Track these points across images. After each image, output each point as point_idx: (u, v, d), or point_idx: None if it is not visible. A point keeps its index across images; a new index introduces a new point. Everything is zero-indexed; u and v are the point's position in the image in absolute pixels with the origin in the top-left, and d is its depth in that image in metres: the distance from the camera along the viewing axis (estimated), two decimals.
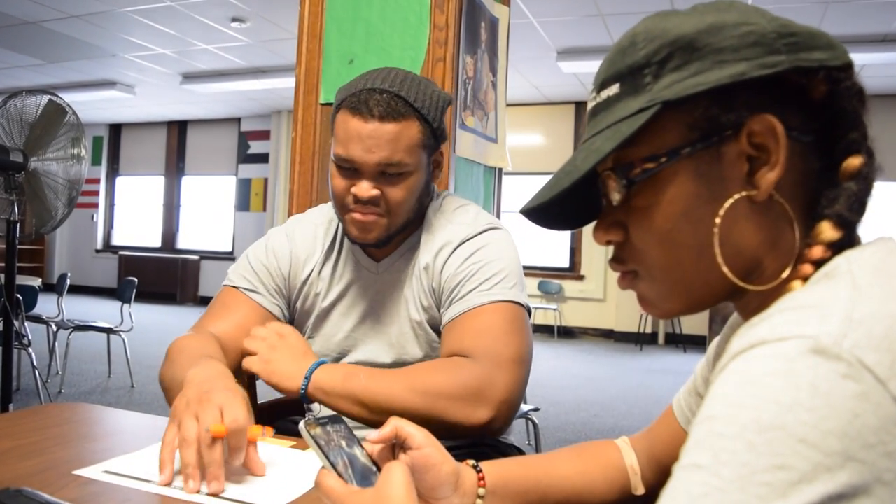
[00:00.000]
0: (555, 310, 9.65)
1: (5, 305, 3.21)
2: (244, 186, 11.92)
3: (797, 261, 0.60)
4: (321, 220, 1.44)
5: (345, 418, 0.81)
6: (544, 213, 0.71)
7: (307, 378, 1.18)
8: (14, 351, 3.51)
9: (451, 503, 0.81)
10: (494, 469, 0.87)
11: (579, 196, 0.70)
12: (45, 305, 5.94)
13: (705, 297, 0.65)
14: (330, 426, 0.76)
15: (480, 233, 1.35)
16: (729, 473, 0.43)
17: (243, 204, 11.89)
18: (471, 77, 2.17)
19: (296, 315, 1.43)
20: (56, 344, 5.50)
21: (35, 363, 4.38)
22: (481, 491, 0.84)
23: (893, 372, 0.44)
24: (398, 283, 1.37)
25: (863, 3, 5.68)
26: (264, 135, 11.58)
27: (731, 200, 0.60)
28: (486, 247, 1.33)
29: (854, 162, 0.60)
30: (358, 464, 0.74)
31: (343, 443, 0.76)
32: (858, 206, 0.59)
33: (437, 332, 1.34)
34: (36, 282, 5.45)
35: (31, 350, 4.45)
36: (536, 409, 3.36)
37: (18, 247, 3.33)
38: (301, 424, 0.74)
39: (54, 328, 5.51)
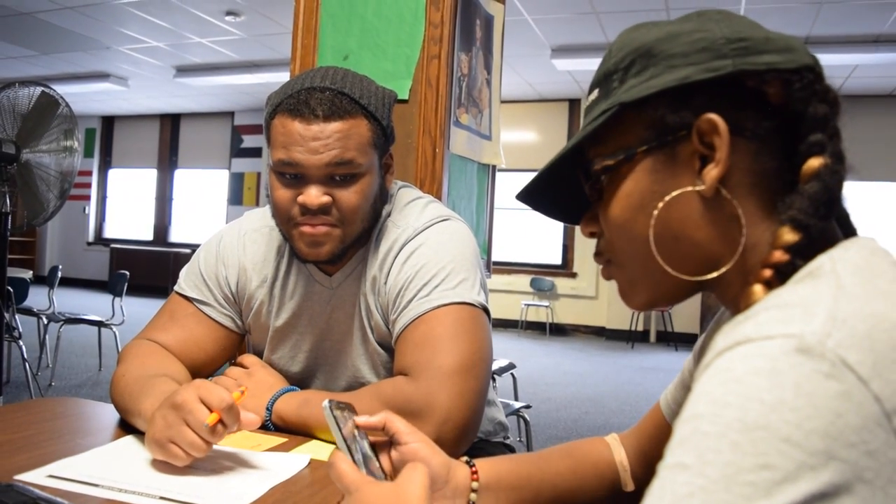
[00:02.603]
0: (547, 307, 9.66)
1: None
2: (237, 180, 11.89)
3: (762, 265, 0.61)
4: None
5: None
6: (538, 202, 0.79)
7: (269, 409, 1.17)
8: (4, 343, 3.50)
9: (443, 494, 0.82)
10: (487, 465, 0.88)
11: (576, 190, 0.75)
12: (36, 298, 5.92)
13: (672, 289, 0.69)
14: (347, 411, 0.78)
15: (421, 231, 1.23)
16: (714, 473, 0.43)
17: (236, 198, 11.85)
18: (465, 74, 2.17)
19: (251, 330, 1.34)
20: (47, 336, 5.49)
21: (25, 356, 4.37)
22: (475, 485, 0.84)
23: (875, 371, 0.45)
24: (352, 299, 1.27)
25: (855, 3, 5.70)
26: (257, 129, 11.54)
27: (673, 193, 0.64)
28: (423, 245, 1.21)
29: (813, 164, 0.59)
30: (364, 451, 0.76)
31: (355, 431, 0.78)
32: (819, 207, 0.58)
33: (392, 351, 1.22)
34: (27, 274, 5.43)
35: (21, 342, 4.44)
36: (528, 406, 3.37)
37: (9, 238, 3.32)
38: (325, 403, 0.76)
39: (45, 321, 5.50)
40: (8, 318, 3.88)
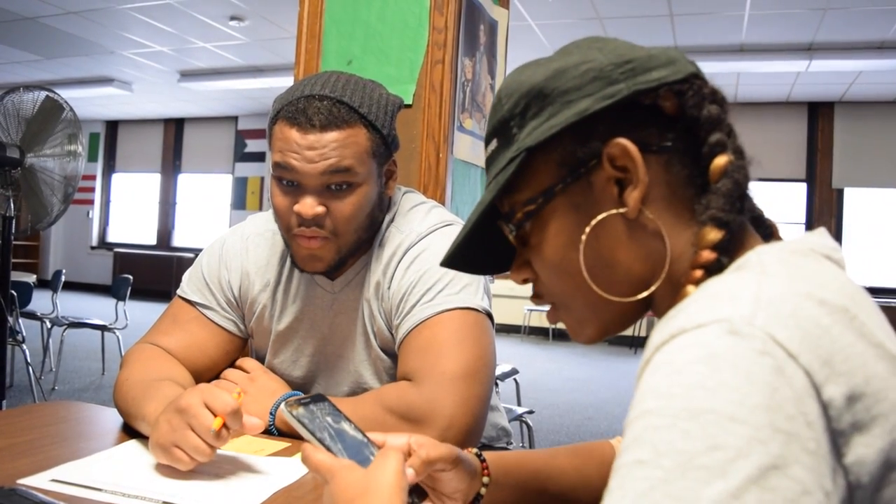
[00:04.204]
0: None
1: None
2: (240, 185, 11.90)
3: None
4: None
5: (329, 396, 0.81)
6: (465, 263, 0.78)
7: (272, 414, 1.17)
8: (8, 347, 3.50)
9: (464, 493, 0.82)
10: (496, 459, 0.88)
11: (498, 242, 0.75)
12: (40, 302, 5.93)
13: (617, 316, 0.69)
14: (313, 405, 0.76)
15: (425, 236, 1.23)
16: (669, 463, 0.44)
17: (239, 202, 11.87)
18: (469, 79, 2.18)
19: (253, 334, 1.34)
20: (50, 340, 5.50)
21: (29, 360, 4.37)
22: (485, 479, 0.85)
23: (803, 346, 0.47)
24: (355, 304, 1.27)
25: (860, 10, 5.70)
26: (261, 133, 11.57)
27: (596, 220, 0.65)
28: (427, 250, 1.21)
29: (720, 162, 0.63)
30: (347, 437, 0.74)
31: (329, 419, 0.76)
32: (735, 202, 0.62)
33: (395, 356, 1.22)
34: (31, 278, 5.46)
35: (24, 346, 4.44)
36: (530, 412, 3.36)
37: (13, 242, 3.32)
38: (282, 406, 0.74)
39: (48, 325, 5.51)
40: (11, 321, 3.88)
